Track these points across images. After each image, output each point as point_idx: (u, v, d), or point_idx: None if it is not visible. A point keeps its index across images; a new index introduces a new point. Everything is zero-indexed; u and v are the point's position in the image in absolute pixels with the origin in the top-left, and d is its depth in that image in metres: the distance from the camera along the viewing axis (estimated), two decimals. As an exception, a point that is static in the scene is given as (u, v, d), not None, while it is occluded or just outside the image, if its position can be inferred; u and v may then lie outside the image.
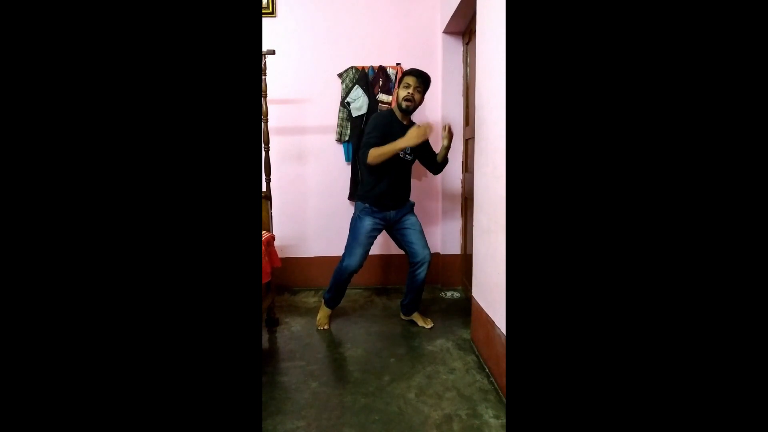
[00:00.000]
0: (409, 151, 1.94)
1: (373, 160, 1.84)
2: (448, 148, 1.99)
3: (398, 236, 2.06)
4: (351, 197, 2.61)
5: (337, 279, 2.04)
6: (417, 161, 2.05)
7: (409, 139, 1.78)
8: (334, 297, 2.10)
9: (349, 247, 2.00)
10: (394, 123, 1.94)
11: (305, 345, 1.91)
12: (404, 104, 1.89)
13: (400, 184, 2.00)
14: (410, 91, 1.88)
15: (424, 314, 2.18)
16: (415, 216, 2.07)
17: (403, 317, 2.18)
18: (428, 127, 1.80)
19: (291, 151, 2.61)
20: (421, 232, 2.03)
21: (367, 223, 1.97)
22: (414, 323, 2.12)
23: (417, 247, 2.00)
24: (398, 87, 1.96)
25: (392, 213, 2.00)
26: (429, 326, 2.08)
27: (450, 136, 1.97)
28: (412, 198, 2.10)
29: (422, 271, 2.01)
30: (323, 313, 2.12)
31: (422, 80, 1.90)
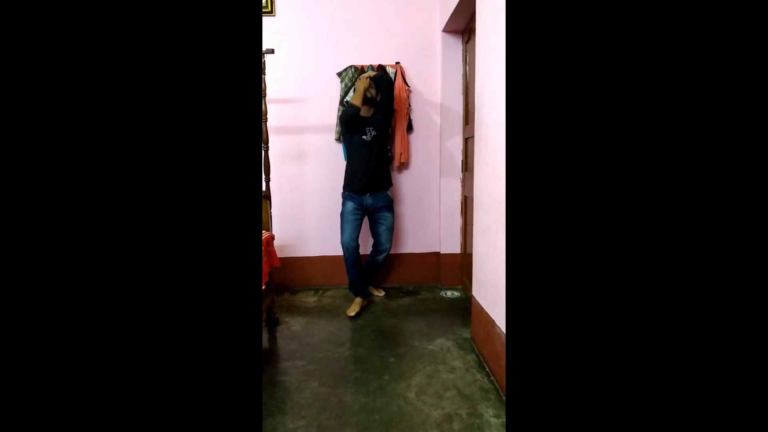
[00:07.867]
0: (372, 132, 2.26)
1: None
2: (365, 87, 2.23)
3: (372, 225, 2.41)
4: None
5: (345, 260, 2.36)
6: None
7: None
8: (351, 282, 2.39)
9: (340, 229, 2.36)
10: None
11: (305, 345, 1.91)
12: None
13: (371, 168, 2.29)
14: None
15: (425, 313, 2.30)
16: (391, 214, 2.39)
17: None
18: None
19: (290, 151, 2.61)
20: (390, 229, 2.41)
21: (348, 205, 2.33)
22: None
23: (382, 239, 2.39)
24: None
25: (369, 199, 2.31)
26: (381, 294, 2.55)
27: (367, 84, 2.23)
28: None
29: (381, 257, 2.42)
30: (354, 302, 2.38)
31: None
